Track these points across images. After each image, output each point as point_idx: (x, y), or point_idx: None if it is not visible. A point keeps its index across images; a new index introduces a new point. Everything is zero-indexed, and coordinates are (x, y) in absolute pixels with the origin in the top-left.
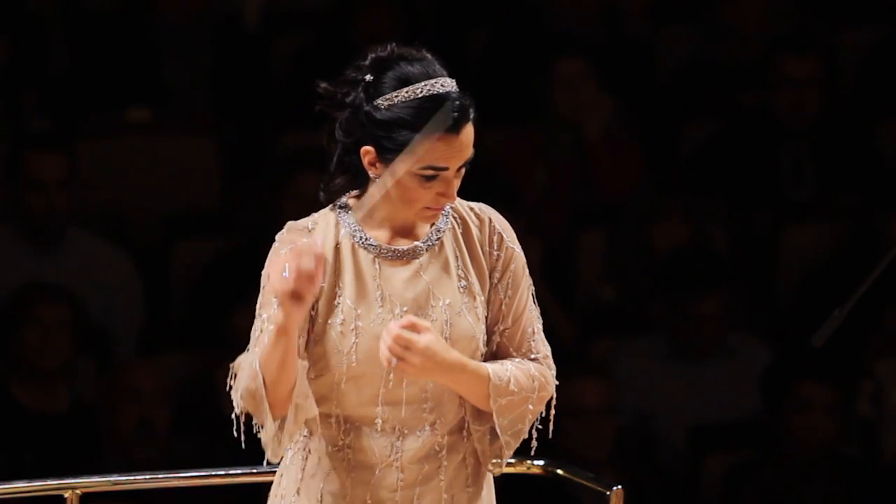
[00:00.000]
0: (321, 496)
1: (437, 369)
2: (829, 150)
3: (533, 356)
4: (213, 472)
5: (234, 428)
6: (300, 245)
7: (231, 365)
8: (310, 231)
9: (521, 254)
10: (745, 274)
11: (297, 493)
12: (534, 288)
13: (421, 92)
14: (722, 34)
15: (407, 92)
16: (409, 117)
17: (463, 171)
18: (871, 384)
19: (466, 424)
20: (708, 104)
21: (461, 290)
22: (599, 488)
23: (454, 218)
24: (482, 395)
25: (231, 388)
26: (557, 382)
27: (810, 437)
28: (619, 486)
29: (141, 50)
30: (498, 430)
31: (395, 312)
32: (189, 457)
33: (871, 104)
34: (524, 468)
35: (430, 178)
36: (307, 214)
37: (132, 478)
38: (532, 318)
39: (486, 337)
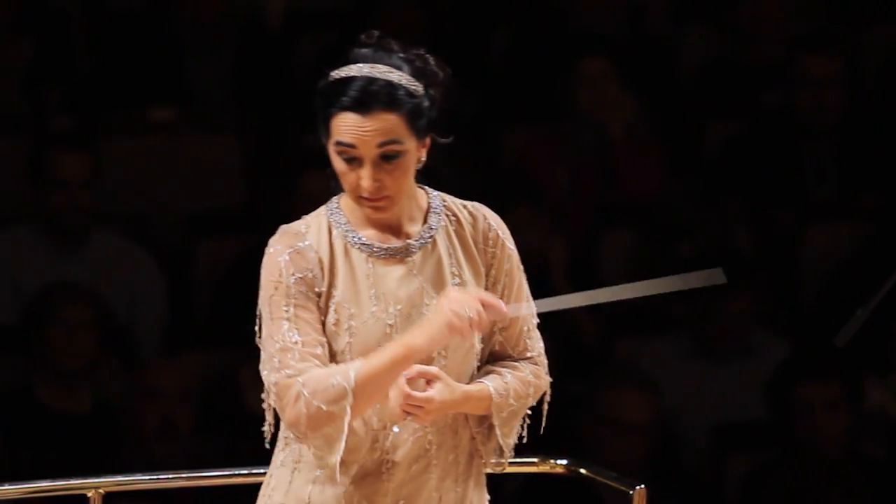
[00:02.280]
0: (309, 498)
1: (448, 410)
2: (852, 149)
3: (529, 354)
4: (236, 472)
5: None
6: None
7: (272, 384)
8: (303, 234)
9: (516, 251)
10: (768, 273)
11: (286, 494)
12: (526, 283)
13: (337, 74)
14: (744, 33)
15: (332, 74)
16: (322, 97)
17: (395, 164)
18: None
19: (457, 423)
20: (730, 103)
21: (455, 288)
22: (622, 488)
23: (447, 215)
24: (484, 410)
25: (271, 406)
26: (551, 379)
27: (822, 437)
28: (642, 486)
29: (164, 49)
30: (499, 437)
31: (390, 311)
32: (211, 456)
33: (893, 103)
34: (548, 467)
35: (348, 160)
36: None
37: (155, 477)
38: (528, 316)
39: (481, 335)
